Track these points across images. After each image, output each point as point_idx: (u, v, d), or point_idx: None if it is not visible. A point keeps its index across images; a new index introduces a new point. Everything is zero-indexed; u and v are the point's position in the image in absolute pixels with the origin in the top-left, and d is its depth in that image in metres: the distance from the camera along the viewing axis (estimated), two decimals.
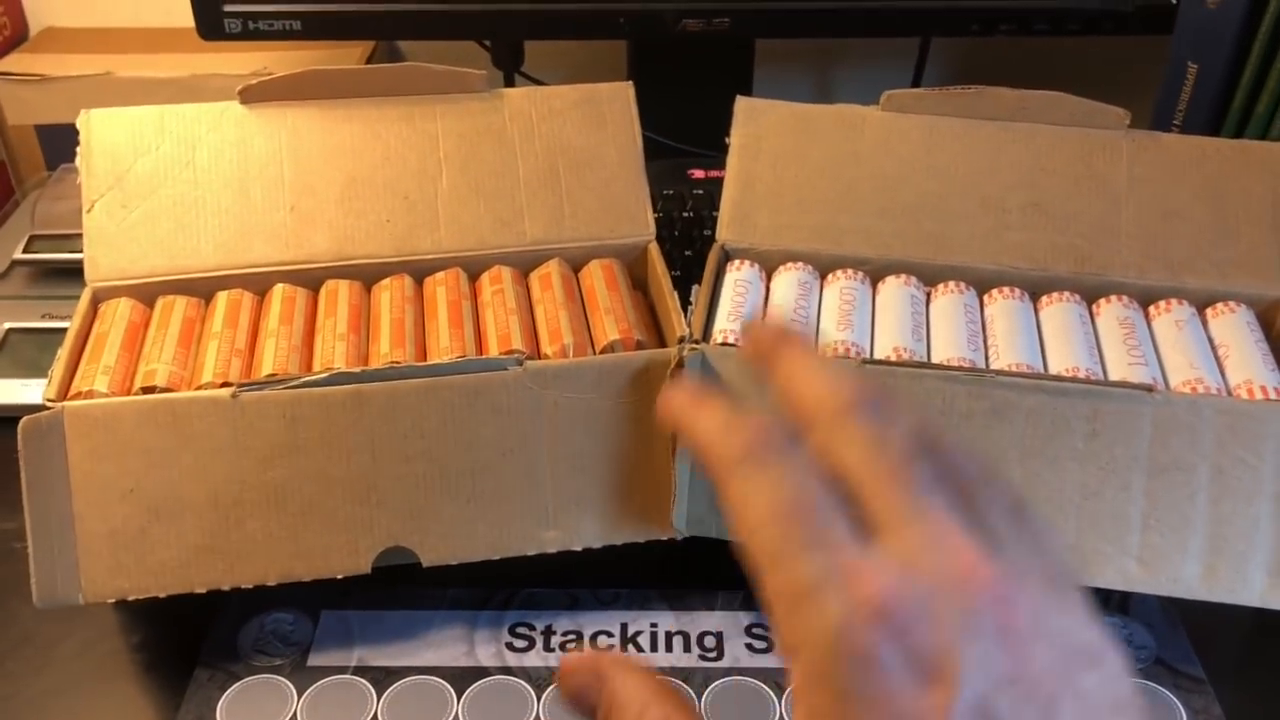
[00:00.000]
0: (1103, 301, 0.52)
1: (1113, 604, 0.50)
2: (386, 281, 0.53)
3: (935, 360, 0.49)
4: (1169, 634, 0.49)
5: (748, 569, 0.23)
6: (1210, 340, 0.50)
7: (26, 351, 0.62)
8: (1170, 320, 0.51)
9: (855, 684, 0.20)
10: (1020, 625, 0.21)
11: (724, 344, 0.48)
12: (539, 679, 0.46)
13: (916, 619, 0.20)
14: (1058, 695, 0.20)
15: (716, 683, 0.46)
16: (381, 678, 0.46)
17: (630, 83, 0.56)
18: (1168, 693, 0.46)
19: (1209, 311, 0.52)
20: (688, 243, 0.68)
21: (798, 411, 0.24)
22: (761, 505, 0.22)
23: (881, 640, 0.20)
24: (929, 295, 0.53)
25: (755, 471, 0.23)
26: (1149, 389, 0.45)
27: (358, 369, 0.46)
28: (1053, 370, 0.48)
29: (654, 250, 0.54)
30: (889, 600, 0.21)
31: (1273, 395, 0.46)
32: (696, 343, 0.47)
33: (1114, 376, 0.48)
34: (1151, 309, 0.52)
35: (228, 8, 0.70)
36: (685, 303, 0.51)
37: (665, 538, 0.48)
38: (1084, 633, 0.21)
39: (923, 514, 0.22)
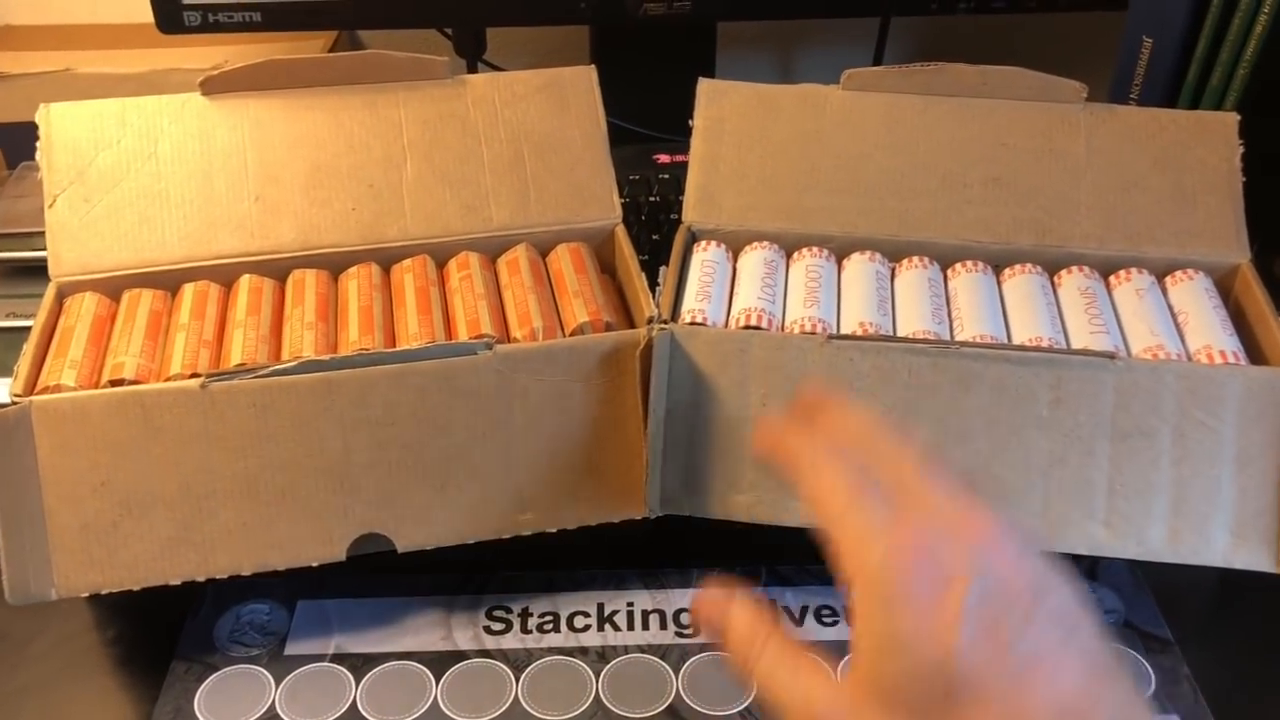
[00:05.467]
0: (1064, 272, 0.53)
1: (1081, 569, 0.51)
2: (353, 270, 0.52)
3: (901, 334, 0.50)
4: (1136, 597, 0.50)
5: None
6: (1170, 308, 0.51)
7: None
8: (1130, 289, 0.52)
9: (898, 590, 0.30)
10: (1007, 558, 0.30)
11: (692, 323, 0.49)
12: (517, 661, 0.47)
13: (937, 549, 0.30)
14: (1032, 605, 0.30)
15: (693, 658, 0.47)
16: (360, 664, 0.46)
17: (592, 66, 0.56)
18: (1137, 655, 0.47)
19: (1168, 280, 0.52)
20: (655, 227, 0.68)
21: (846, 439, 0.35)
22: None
23: (914, 563, 0.30)
24: (893, 271, 0.54)
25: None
26: (1110, 356, 0.46)
27: (327, 356, 0.46)
28: (1016, 341, 0.49)
29: (620, 233, 0.54)
30: (919, 538, 0.31)
31: (1231, 359, 0.47)
32: (665, 323, 0.48)
33: (1076, 345, 0.49)
34: (1112, 279, 0.53)
35: (187, 0, 0.69)
36: (653, 285, 0.51)
37: (639, 517, 0.48)
38: (1047, 571, 0.31)
39: (936, 491, 0.32)
